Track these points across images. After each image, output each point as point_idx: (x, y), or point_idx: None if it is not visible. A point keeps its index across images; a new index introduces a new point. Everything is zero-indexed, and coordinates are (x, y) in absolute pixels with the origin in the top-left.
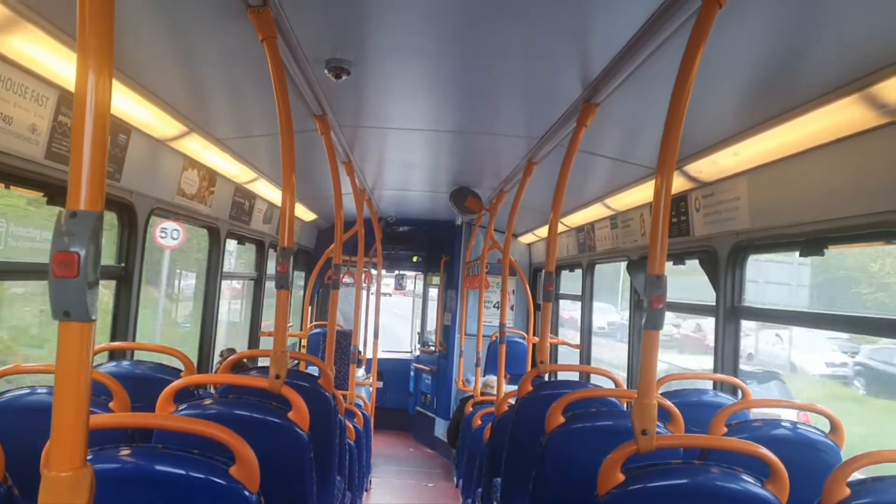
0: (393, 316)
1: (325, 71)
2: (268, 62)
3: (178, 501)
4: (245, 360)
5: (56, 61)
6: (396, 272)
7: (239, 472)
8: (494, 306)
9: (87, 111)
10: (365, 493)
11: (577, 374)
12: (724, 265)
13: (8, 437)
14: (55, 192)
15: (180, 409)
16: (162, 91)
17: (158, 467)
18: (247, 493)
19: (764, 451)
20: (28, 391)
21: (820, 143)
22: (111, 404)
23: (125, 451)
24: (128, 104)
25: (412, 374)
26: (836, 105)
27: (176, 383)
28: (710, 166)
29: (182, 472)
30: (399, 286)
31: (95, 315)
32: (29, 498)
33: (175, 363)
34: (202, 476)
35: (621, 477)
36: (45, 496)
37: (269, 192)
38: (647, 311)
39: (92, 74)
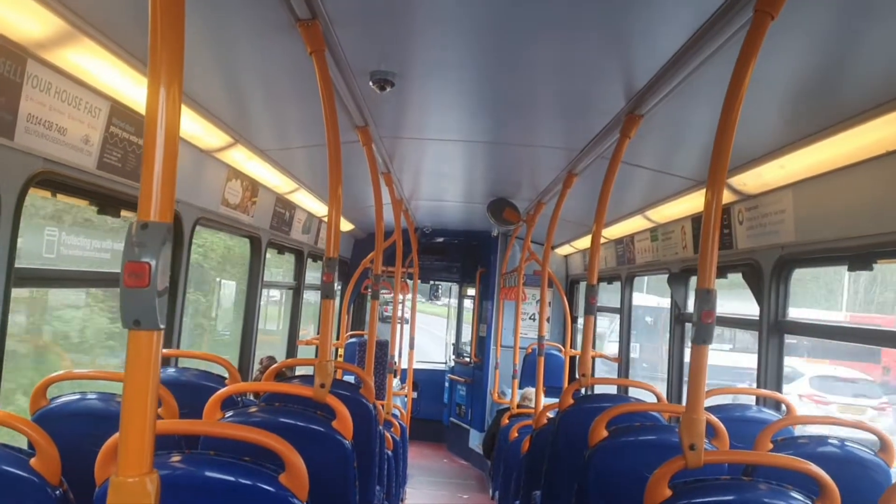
0: (425, 333)
1: (370, 83)
2: (313, 74)
3: None
4: (284, 370)
5: (109, 73)
6: (431, 282)
7: (288, 479)
8: (530, 318)
9: (158, 127)
10: (400, 503)
11: (613, 387)
12: (768, 279)
13: (60, 441)
14: (105, 202)
15: (227, 416)
16: (210, 103)
17: (212, 474)
18: (296, 501)
19: (814, 468)
20: (79, 397)
21: (869, 156)
22: (160, 410)
23: (177, 458)
24: None
25: (447, 384)
26: (886, 118)
27: (224, 391)
28: (755, 179)
29: (234, 478)
30: (434, 296)
31: (164, 324)
32: (83, 502)
33: (219, 370)
34: (254, 483)
35: (668, 492)
36: (114, 501)
37: (309, 203)
38: (697, 325)
39: (163, 91)
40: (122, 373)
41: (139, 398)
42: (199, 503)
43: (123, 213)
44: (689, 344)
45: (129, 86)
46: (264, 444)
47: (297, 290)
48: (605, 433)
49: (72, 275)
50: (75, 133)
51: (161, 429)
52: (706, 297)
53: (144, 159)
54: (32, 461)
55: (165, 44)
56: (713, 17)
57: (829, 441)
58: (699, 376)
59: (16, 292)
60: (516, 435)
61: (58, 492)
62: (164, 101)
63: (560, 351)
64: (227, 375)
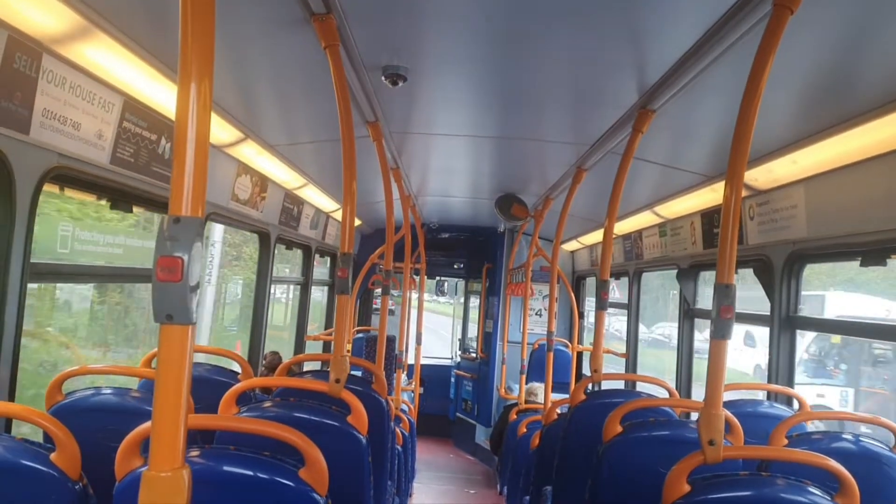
0: (430, 333)
1: (382, 78)
2: (324, 69)
3: (249, 502)
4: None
5: (122, 68)
6: (437, 278)
7: (308, 474)
8: (536, 314)
9: (189, 122)
10: (409, 498)
11: (621, 383)
12: (780, 274)
13: (76, 436)
14: (118, 198)
15: (242, 411)
16: (221, 98)
17: (234, 469)
18: (316, 495)
19: (834, 464)
20: (94, 392)
21: (883, 151)
22: None
23: (197, 453)
24: None
25: (453, 380)
26: None
27: (239, 385)
28: (766, 174)
29: (255, 473)
30: (440, 292)
31: (196, 319)
32: (101, 496)
33: (227, 364)
34: (274, 478)
35: (687, 487)
36: (147, 496)
37: (317, 198)
38: (716, 320)
39: (194, 87)
40: (138, 368)
41: (172, 392)
42: (220, 498)
43: (136, 208)
44: (689, 340)
45: (141, 80)
46: (288, 440)
47: (304, 285)
48: (619, 428)
49: (87, 270)
50: (89, 128)
51: (196, 423)
52: (725, 292)
53: (175, 153)
54: (52, 456)
55: (196, 44)
56: (730, 11)
57: (844, 437)
58: (718, 371)
59: None
60: (525, 430)
61: (78, 486)
62: (196, 96)
63: (566, 346)
64: (237, 370)
